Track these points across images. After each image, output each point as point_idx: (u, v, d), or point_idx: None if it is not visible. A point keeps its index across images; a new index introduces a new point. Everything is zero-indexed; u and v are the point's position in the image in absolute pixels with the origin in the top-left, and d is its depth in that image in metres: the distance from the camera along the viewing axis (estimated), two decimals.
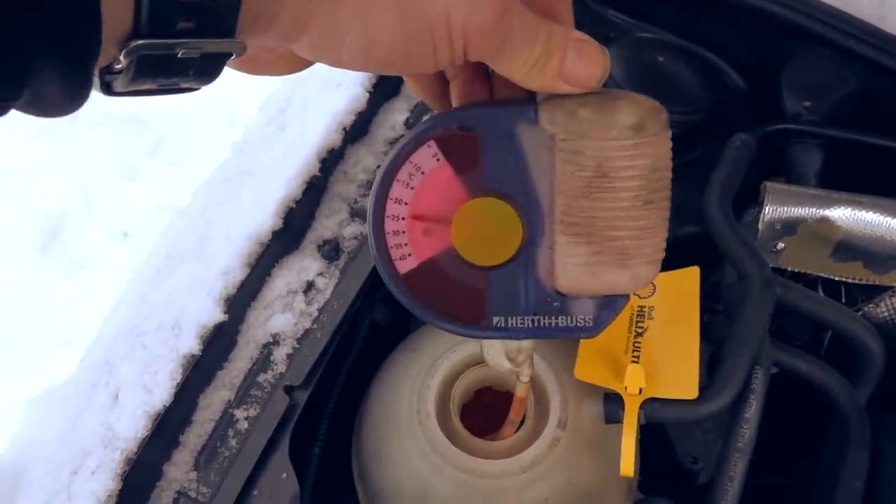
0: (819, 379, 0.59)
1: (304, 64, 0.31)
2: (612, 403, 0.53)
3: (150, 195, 1.82)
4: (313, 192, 0.64)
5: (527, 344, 0.43)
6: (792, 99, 0.68)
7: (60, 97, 0.23)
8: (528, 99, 0.33)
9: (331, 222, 0.64)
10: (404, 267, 0.35)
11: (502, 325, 0.36)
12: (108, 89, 0.26)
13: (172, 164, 1.89)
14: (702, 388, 0.53)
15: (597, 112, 0.31)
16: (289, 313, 0.60)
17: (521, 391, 0.48)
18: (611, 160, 0.32)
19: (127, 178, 1.89)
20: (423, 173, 0.33)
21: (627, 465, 0.52)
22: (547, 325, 0.36)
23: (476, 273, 0.35)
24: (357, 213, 0.65)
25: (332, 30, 0.27)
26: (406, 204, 0.34)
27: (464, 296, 0.35)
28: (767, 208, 0.60)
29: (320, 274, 0.62)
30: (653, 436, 0.62)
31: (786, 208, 0.60)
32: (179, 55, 0.25)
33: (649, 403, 0.53)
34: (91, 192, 1.87)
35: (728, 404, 0.53)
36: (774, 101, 0.71)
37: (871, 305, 0.64)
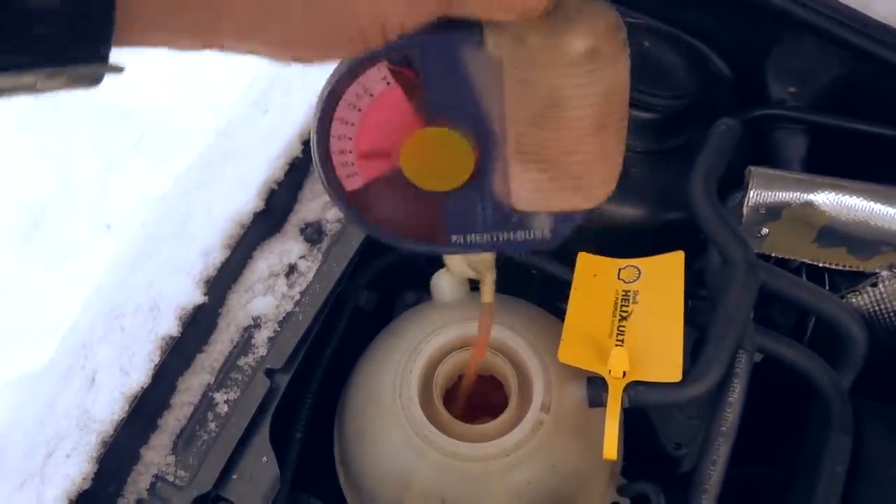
0: (802, 364, 0.58)
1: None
2: (596, 387, 0.53)
3: (134, 187, 1.80)
4: (296, 174, 0.64)
5: (487, 255, 0.42)
6: (777, 84, 0.68)
7: None
8: (474, 22, 0.30)
9: (314, 205, 0.63)
10: (351, 184, 0.34)
11: (461, 242, 0.35)
12: None
13: (157, 155, 1.87)
14: (685, 372, 0.52)
15: (546, 38, 0.28)
16: (270, 296, 0.60)
17: (485, 296, 0.47)
18: (563, 89, 0.29)
19: (111, 170, 1.87)
20: (371, 95, 0.31)
21: (611, 448, 0.51)
22: (506, 239, 0.35)
23: (430, 196, 0.34)
24: None
25: (247, 29, 0.26)
26: (353, 125, 0.32)
27: (418, 215, 0.35)
28: (752, 193, 0.60)
29: (302, 257, 0.61)
30: (637, 422, 0.62)
31: (770, 193, 0.60)
32: (38, 86, 0.23)
33: (633, 387, 0.52)
34: (74, 183, 1.85)
35: (711, 388, 0.52)
36: (759, 86, 0.71)
37: (854, 292, 0.65)
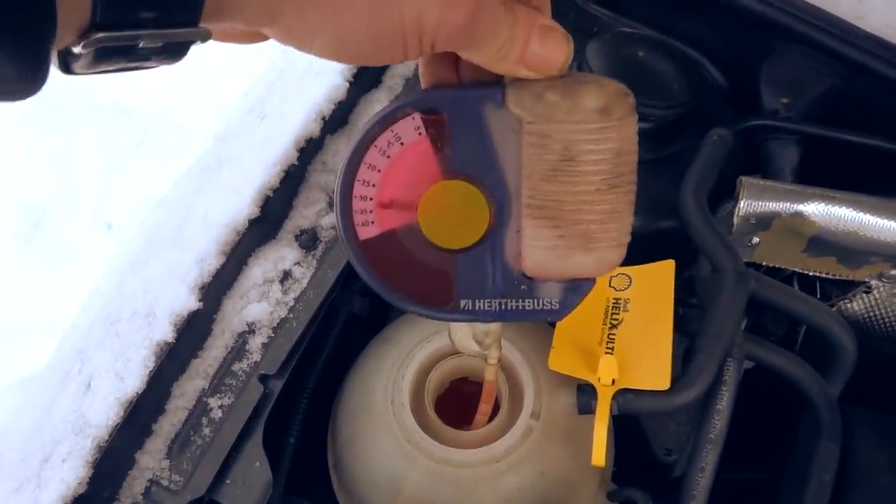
0: (792, 373, 0.59)
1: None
2: (585, 394, 0.54)
3: (136, 187, 1.81)
4: (291, 182, 0.64)
5: (494, 327, 0.43)
6: (770, 95, 0.69)
7: (13, 78, 0.23)
8: (496, 81, 0.33)
9: (308, 212, 0.64)
10: (365, 233, 0.34)
11: (469, 308, 0.36)
12: (66, 69, 0.26)
13: (158, 156, 1.88)
14: (674, 380, 0.53)
15: (563, 96, 0.31)
16: (265, 302, 0.60)
17: (490, 374, 0.48)
18: (576, 144, 0.32)
19: (112, 170, 1.88)
20: (401, 144, 0.33)
21: (599, 455, 0.52)
22: (514, 308, 0.36)
23: (442, 254, 0.35)
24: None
25: (303, 29, 0.27)
26: (379, 172, 0.33)
27: (429, 276, 0.35)
28: (742, 203, 0.61)
29: (297, 263, 0.62)
30: (627, 428, 0.63)
31: (760, 203, 0.61)
32: (140, 45, 0.25)
33: (622, 394, 0.53)
34: (76, 183, 1.86)
35: (699, 396, 0.53)
36: (753, 97, 0.71)
37: (844, 301, 0.65)
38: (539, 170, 0.33)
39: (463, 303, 0.36)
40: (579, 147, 0.32)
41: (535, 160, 0.32)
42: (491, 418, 0.56)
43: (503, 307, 0.36)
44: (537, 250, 0.34)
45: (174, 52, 0.26)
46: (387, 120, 0.33)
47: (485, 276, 0.35)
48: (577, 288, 0.35)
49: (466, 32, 0.29)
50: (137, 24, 0.24)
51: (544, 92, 0.31)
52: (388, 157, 0.33)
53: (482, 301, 0.36)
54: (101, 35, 0.24)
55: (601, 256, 0.34)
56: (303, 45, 0.28)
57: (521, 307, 0.36)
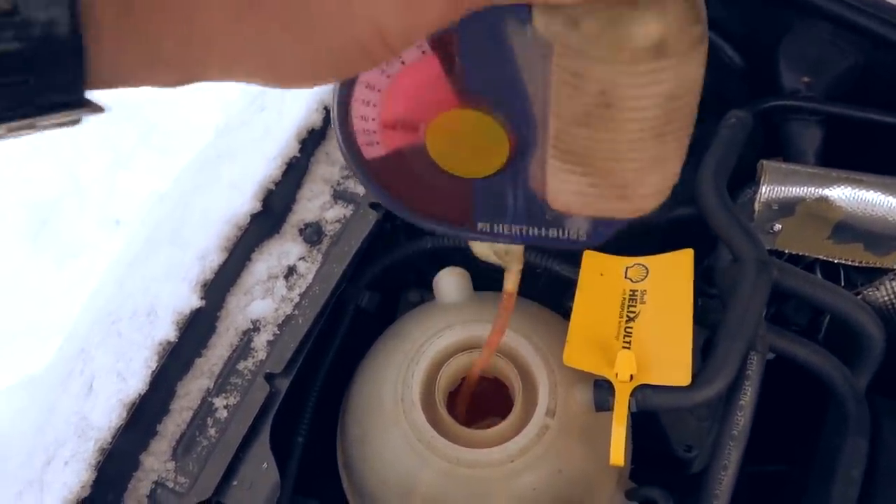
0: (817, 365, 0.57)
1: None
2: (602, 391, 0.51)
3: (143, 182, 1.80)
4: (294, 174, 0.62)
5: (516, 247, 0.40)
6: (790, 74, 0.66)
7: None
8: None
9: (312, 205, 0.62)
10: (371, 153, 0.31)
11: (488, 231, 0.32)
12: None
13: (164, 151, 1.86)
14: (695, 375, 0.51)
15: (605, 25, 0.23)
16: (269, 299, 0.58)
17: (509, 284, 0.44)
18: (619, 88, 0.24)
19: (119, 166, 1.87)
20: (402, 63, 0.28)
21: (617, 453, 0.50)
22: (537, 234, 0.32)
23: (456, 179, 0.31)
24: (340, 196, 0.62)
25: (242, 70, 0.24)
26: (378, 91, 0.29)
27: (443, 195, 0.31)
28: (764, 188, 0.58)
29: (302, 258, 0.60)
30: (645, 423, 0.61)
31: (783, 188, 0.58)
32: (7, 136, 0.21)
33: (640, 390, 0.51)
34: (82, 179, 1.85)
35: (722, 391, 0.51)
36: (772, 77, 0.68)
37: (870, 289, 0.62)
38: (569, 111, 0.26)
39: (481, 225, 0.32)
40: (622, 92, 0.24)
41: (564, 99, 0.26)
42: (504, 416, 0.54)
43: (525, 233, 0.32)
44: (564, 193, 0.29)
45: (58, 127, 0.23)
46: None
47: (505, 202, 0.31)
48: (608, 222, 0.31)
49: (454, 8, 0.22)
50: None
51: (581, 17, 0.23)
52: (388, 76, 0.28)
53: (502, 224, 0.32)
54: None
55: (638, 205, 0.29)
56: (238, 65, 0.24)
57: (544, 234, 0.32)
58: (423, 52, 0.27)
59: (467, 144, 0.29)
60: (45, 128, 0.22)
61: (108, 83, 0.22)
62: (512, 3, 0.24)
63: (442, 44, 0.27)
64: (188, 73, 0.23)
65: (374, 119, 0.30)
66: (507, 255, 0.40)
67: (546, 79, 0.26)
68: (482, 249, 0.40)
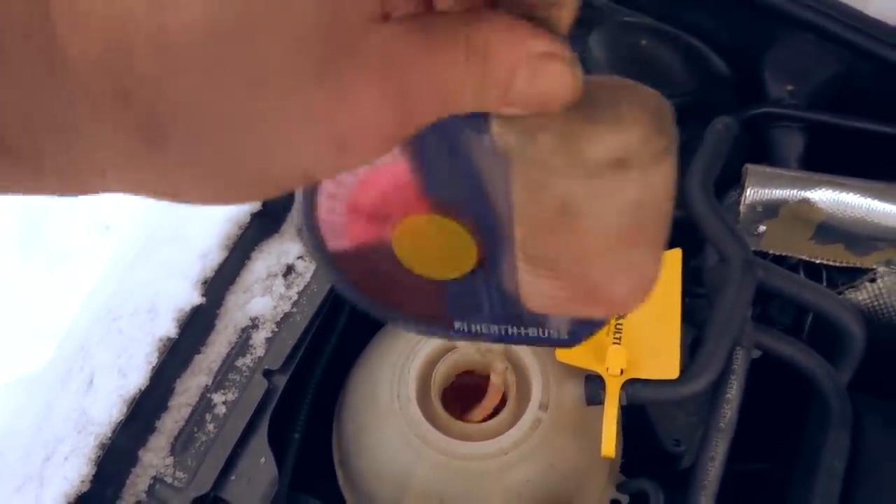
0: (801, 361, 0.59)
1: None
2: (594, 385, 0.53)
3: None
4: None
5: (497, 346, 0.41)
6: (774, 83, 0.68)
7: None
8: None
9: None
10: (335, 245, 0.29)
11: (465, 330, 0.31)
12: None
13: None
14: (683, 370, 0.52)
15: (560, 140, 0.22)
16: (268, 296, 0.59)
17: (496, 381, 0.47)
18: (579, 199, 0.23)
19: None
20: (371, 164, 0.27)
21: (609, 446, 0.51)
22: (515, 334, 0.31)
23: (427, 281, 0.29)
24: None
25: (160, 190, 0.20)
26: (346, 187, 0.27)
27: (417, 295, 0.30)
28: (748, 190, 0.60)
29: (300, 257, 0.61)
30: (635, 419, 0.62)
31: (767, 190, 0.60)
32: None
33: (630, 384, 0.53)
34: None
35: (709, 385, 0.53)
36: (757, 85, 0.71)
37: (851, 290, 0.65)
38: (533, 219, 0.25)
39: (458, 324, 0.31)
40: (582, 204, 0.23)
41: (527, 207, 0.24)
42: (498, 410, 0.56)
43: (504, 332, 0.31)
44: (537, 297, 0.27)
45: None
46: None
47: (480, 302, 0.30)
48: (587, 322, 0.30)
49: (400, 134, 0.20)
50: None
51: (537, 132, 0.22)
52: (355, 174, 0.27)
53: (479, 325, 0.31)
54: None
55: (613, 307, 0.27)
56: (156, 198, 0.21)
57: (524, 333, 0.31)
58: (392, 157, 0.26)
59: (434, 248, 0.28)
60: None
61: None
62: (467, 114, 0.22)
63: (409, 149, 0.26)
64: (80, 190, 0.20)
65: (342, 213, 0.28)
66: (489, 353, 0.40)
67: (508, 187, 0.24)
68: (465, 346, 0.40)
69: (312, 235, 0.29)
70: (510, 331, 0.31)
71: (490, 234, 0.27)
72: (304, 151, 0.19)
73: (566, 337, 0.30)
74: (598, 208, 0.23)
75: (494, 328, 0.31)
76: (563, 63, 0.20)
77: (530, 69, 0.20)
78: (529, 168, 0.23)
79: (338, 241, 0.29)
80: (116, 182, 0.20)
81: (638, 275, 0.26)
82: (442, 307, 0.30)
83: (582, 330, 0.30)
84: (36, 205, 1.80)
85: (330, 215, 0.28)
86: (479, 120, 0.23)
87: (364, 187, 0.27)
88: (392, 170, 0.26)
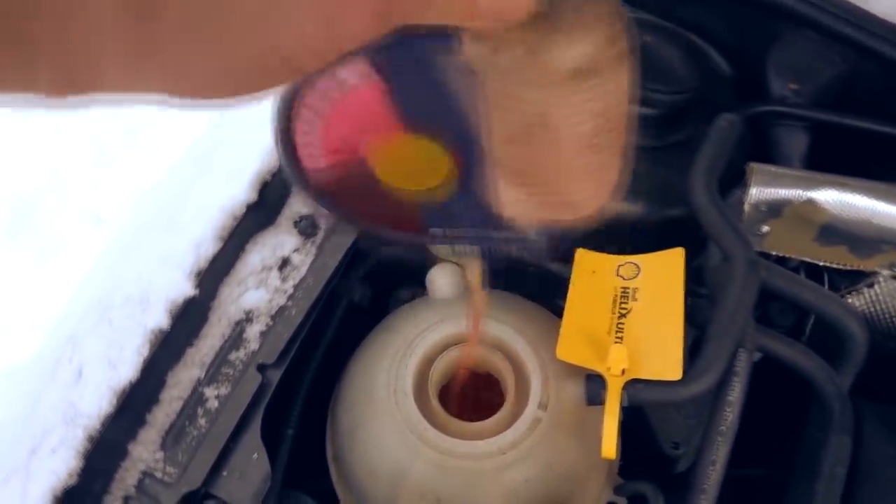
0: (802, 364, 0.58)
1: None
2: (594, 384, 0.52)
3: (126, 179, 1.78)
4: None
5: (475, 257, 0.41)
6: (777, 81, 0.68)
7: None
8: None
9: None
10: (313, 164, 0.30)
11: (440, 235, 0.33)
12: None
13: (148, 148, 1.85)
14: (685, 371, 0.51)
15: (528, 51, 0.24)
16: (263, 289, 0.58)
17: (473, 277, 0.45)
18: (547, 107, 0.25)
19: (102, 163, 1.85)
20: (345, 88, 0.28)
21: (609, 446, 0.50)
22: (489, 235, 0.33)
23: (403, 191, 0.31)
24: None
25: (143, 83, 0.21)
26: (321, 117, 0.29)
27: (392, 205, 0.31)
28: (752, 190, 0.60)
29: (296, 250, 0.60)
30: (634, 421, 0.61)
31: (771, 190, 0.59)
32: None
33: (632, 385, 0.52)
34: (65, 175, 1.83)
35: (711, 386, 0.52)
36: (760, 84, 0.70)
37: (852, 293, 0.64)
38: (504, 131, 0.27)
39: (434, 230, 0.33)
40: (550, 112, 0.25)
41: (497, 121, 0.26)
42: (497, 408, 0.55)
43: (479, 233, 0.33)
44: (509, 204, 0.30)
45: None
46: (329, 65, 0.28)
47: (456, 209, 0.31)
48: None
49: (381, 24, 0.21)
50: None
51: (505, 46, 0.24)
52: (330, 100, 0.28)
53: (455, 229, 0.33)
54: None
55: (579, 208, 0.30)
56: (145, 91, 0.21)
57: (497, 235, 0.33)
58: (364, 79, 0.28)
59: (409, 164, 0.30)
60: None
61: None
62: (439, 30, 0.24)
63: (382, 70, 0.27)
64: (74, 84, 0.20)
65: (317, 138, 0.30)
66: (464, 256, 0.41)
67: (479, 102, 0.26)
68: (441, 249, 0.41)
69: (287, 154, 0.30)
70: (485, 234, 0.33)
71: (465, 148, 0.29)
72: (295, 27, 0.20)
73: (537, 237, 0.32)
74: (563, 117, 0.25)
75: (470, 230, 0.33)
76: None
77: None
78: (498, 82, 0.25)
79: (315, 161, 0.30)
80: (110, 78, 0.20)
81: (601, 179, 0.29)
82: (419, 217, 0.32)
83: (551, 231, 0.32)
84: (27, 195, 1.77)
85: (306, 137, 0.29)
86: (450, 40, 0.25)
87: (338, 109, 0.28)
88: (365, 92, 0.28)
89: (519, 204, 0.30)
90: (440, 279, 0.61)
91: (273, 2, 0.19)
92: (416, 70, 0.27)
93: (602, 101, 0.25)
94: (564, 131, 0.26)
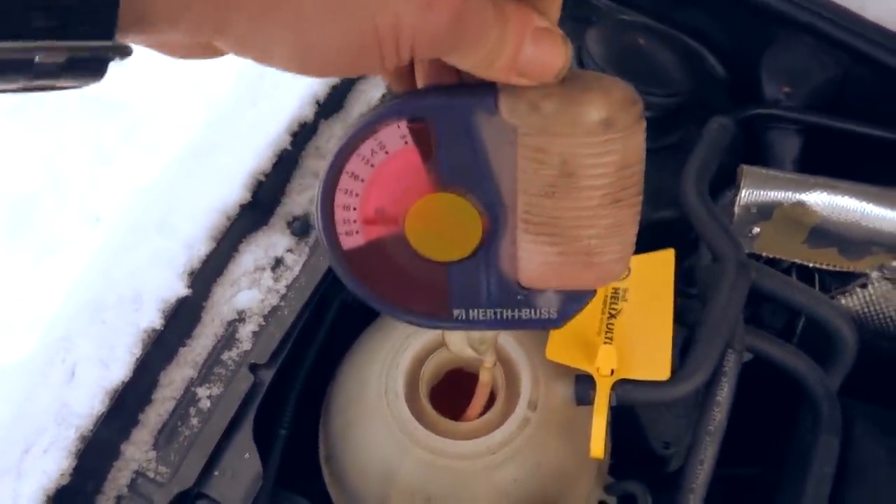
0: (792, 365, 0.58)
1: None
2: (584, 384, 0.52)
3: (124, 179, 1.78)
4: (284, 167, 0.63)
5: (490, 334, 0.42)
6: (771, 84, 0.68)
7: None
8: (490, 84, 0.30)
9: (301, 198, 0.62)
10: (350, 242, 0.32)
11: (463, 318, 0.34)
12: None
13: (147, 147, 1.85)
14: (674, 371, 0.52)
15: (561, 105, 0.28)
16: (255, 290, 0.59)
17: (485, 377, 0.47)
18: (577, 158, 0.29)
19: (100, 162, 1.85)
20: (386, 153, 0.31)
21: (598, 446, 0.51)
22: (510, 317, 0.34)
23: (432, 266, 0.33)
24: None
25: (259, 38, 0.24)
26: (362, 181, 0.31)
27: (420, 285, 0.33)
28: (743, 192, 0.60)
29: (289, 250, 0.60)
30: (625, 421, 0.62)
31: (762, 191, 0.60)
32: (37, 60, 0.21)
33: (621, 385, 0.52)
34: (63, 175, 1.83)
35: (699, 387, 0.52)
36: (754, 87, 0.70)
37: (843, 294, 0.64)
38: (536, 184, 0.30)
39: (456, 312, 0.34)
40: (579, 162, 0.29)
41: (531, 174, 0.30)
42: (487, 409, 0.55)
43: (498, 316, 0.34)
44: (534, 265, 0.32)
45: (85, 69, 0.22)
46: (369, 128, 0.30)
47: (479, 287, 0.33)
48: (576, 297, 0.34)
49: (449, 36, 0.25)
50: (29, 33, 0.20)
51: (541, 101, 0.28)
52: (372, 165, 0.31)
53: (476, 311, 0.34)
54: None
55: (602, 271, 0.32)
56: (261, 57, 0.25)
57: (517, 316, 0.34)
58: (406, 143, 0.30)
59: (444, 227, 0.32)
60: (68, 81, 0.22)
61: (131, 27, 0.22)
62: (476, 90, 0.29)
63: (421, 134, 0.30)
64: (209, 30, 0.23)
65: (355, 209, 0.32)
66: (481, 345, 0.42)
67: (512, 160, 0.30)
68: (457, 343, 0.42)
69: (329, 235, 0.32)
70: (504, 314, 0.34)
71: (492, 212, 0.32)
72: (393, 4, 0.23)
73: (555, 316, 0.34)
74: (592, 165, 0.29)
75: (490, 313, 0.34)
76: (560, 37, 0.27)
77: (535, 40, 0.27)
78: (534, 135, 0.29)
79: (352, 240, 0.32)
80: (248, 15, 0.23)
81: (622, 237, 0.31)
82: (443, 296, 0.34)
83: (570, 308, 0.34)
84: (25, 195, 1.78)
85: (345, 213, 0.32)
86: (490, 100, 0.29)
87: (378, 177, 0.31)
88: (405, 155, 0.30)
89: (543, 265, 0.32)
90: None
91: None
92: (458, 129, 0.30)
93: (622, 156, 0.29)
94: (590, 181, 0.29)
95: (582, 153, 0.29)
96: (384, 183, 0.31)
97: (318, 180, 0.32)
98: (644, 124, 0.30)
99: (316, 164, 0.64)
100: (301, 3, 0.23)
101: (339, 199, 0.31)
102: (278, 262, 0.60)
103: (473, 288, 0.33)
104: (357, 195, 0.31)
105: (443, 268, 0.33)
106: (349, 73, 0.27)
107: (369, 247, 0.32)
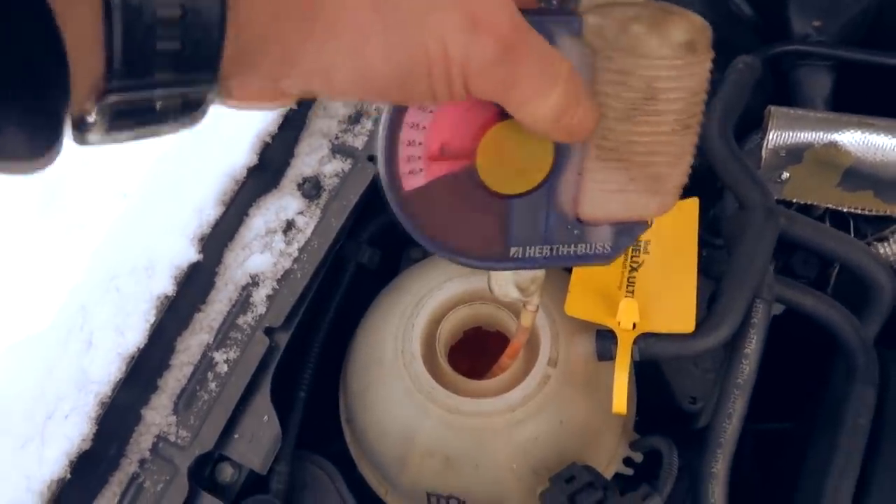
0: (825, 315, 0.56)
1: (294, 98, 0.29)
2: (605, 339, 0.51)
3: (150, 155, 1.79)
4: (290, 128, 0.61)
5: (541, 273, 0.41)
6: (800, 19, 0.64)
7: (25, 152, 0.20)
8: (570, 10, 0.30)
9: (311, 159, 0.61)
10: (412, 183, 0.32)
11: (519, 256, 0.34)
12: (81, 139, 0.24)
13: None
14: (699, 323, 0.50)
15: (650, 27, 0.29)
16: (268, 253, 0.58)
17: (526, 320, 0.46)
18: (660, 80, 0.29)
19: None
20: None
21: (620, 402, 0.49)
22: (564, 253, 0.34)
23: (496, 201, 0.33)
24: (338, 150, 0.61)
25: (322, 67, 0.25)
26: (431, 112, 0.31)
27: (479, 225, 0.33)
28: (771, 134, 0.57)
29: (300, 212, 0.59)
30: (650, 376, 0.60)
31: (791, 133, 0.56)
32: (158, 107, 0.23)
33: (643, 339, 0.50)
34: (90, 151, 1.85)
35: (726, 339, 0.50)
36: (781, 24, 0.66)
37: (879, 241, 0.61)
38: (616, 108, 0.30)
39: (514, 250, 0.34)
40: (662, 84, 0.29)
41: (612, 98, 0.30)
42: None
43: (554, 252, 0.34)
44: (601, 193, 0.32)
45: (191, 111, 0.24)
46: None
47: (538, 222, 0.33)
48: (629, 230, 0.34)
49: (500, 72, 0.26)
50: (153, 84, 0.22)
51: (630, 23, 0.29)
52: (433, 109, 0.31)
53: (533, 248, 0.34)
54: (116, 98, 0.22)
55: (664, 199, 0.33)
56: (323, 85, 0.26)
57: (572, 252, 0.34)
58: None
59: (515, 158, 0.32)
60: (174, 126, 0.24)
61: (231, 68, 0.24)
62: (562, 10, 0.30)
63: None
64: (278, 71, 0.25)
65: (420, 143, 0.31)
66: (531, 285, 0.41)
67: (590, 86, 0.30)
68: (504, 286, 0.41)
69: (391, 177, 0.31)
70: (560, 250, 0.34)
71: (560, 143, 0.31)
72: (445, 24, 0.25)
73: (609, 251, 0.35)
74: (672, 88, 0.29)
75: (546, 249, 0.34)
76: None
77: None
78: (620, 57, 0.29)
79: (414, 179, 0.32)
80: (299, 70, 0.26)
81: (684, 165, 0.32)
82: (502, 234, 0.34)
83: (623, 240, 0.34)
84: (53, 172, 1.80)
85: (410, 150, 0.31)
86: (575, 21, 0.29)
87: (445, 112, 0.30)
88: None
89: (611, 193, 0.32)
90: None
91: (425, 5, 0.25)
92: None
93: (698, 81, 0.30)
94: (666, 105, 0.30)
95: (664, 76, 0.29)
96: (452, 115, 0.31)
97: (381, 117, 0.31)
98: (713, 53, 0.30)
99: (324, 124, 0.62)
100: (360, 28, 0.25)
101: (406, 134, 0.31)
102: (290, 225, 0.59)
103: (533, 224, 0.33)
104: (424, 128, 0.31)
105: (506, 203, 0.33)
106: (405, 98, 0.27)
107: (430, 186, 0.32)
